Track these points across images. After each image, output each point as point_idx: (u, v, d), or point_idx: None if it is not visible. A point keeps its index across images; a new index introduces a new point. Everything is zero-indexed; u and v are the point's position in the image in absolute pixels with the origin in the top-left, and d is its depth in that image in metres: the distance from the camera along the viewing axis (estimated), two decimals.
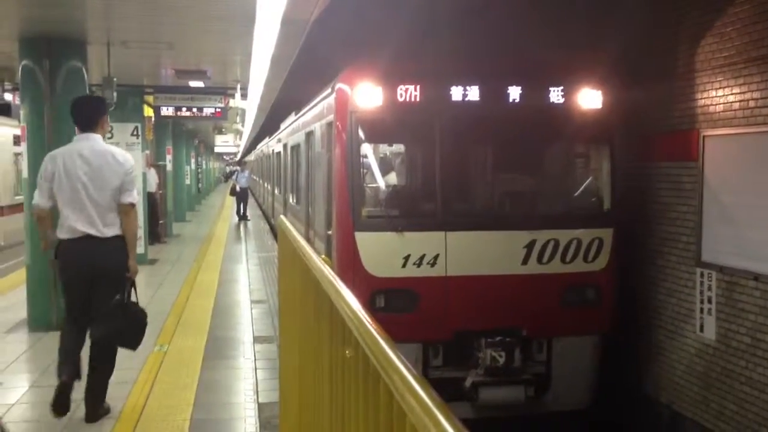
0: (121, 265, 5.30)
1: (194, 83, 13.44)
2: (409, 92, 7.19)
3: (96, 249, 5.19)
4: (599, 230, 7.51)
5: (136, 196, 5.41)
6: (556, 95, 7.46)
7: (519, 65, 7.64)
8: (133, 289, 5.49)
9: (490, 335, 7.06)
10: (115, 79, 10.15)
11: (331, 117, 7.90)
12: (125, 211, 5.31)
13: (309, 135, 10.58)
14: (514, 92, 7.38)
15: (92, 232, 5.18)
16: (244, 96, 15.34)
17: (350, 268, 7.11)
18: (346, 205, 7.27)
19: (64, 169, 5.26)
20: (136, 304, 5.52)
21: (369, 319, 1.87)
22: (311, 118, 10.32)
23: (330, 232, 8.03)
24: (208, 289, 10.83)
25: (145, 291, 10.89)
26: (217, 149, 49.25)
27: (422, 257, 7.09)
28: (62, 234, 5.25)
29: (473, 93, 7.34)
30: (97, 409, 5.35)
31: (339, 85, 7.55)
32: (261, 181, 31.42)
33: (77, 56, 8.61)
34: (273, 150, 21.33)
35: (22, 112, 8.67)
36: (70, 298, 5.37)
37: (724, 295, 7.04)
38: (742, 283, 6.80)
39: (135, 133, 13.56)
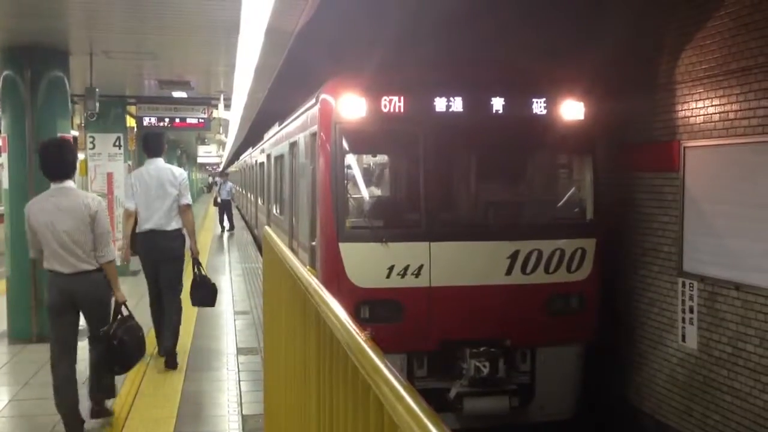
0: (180, 249, 7.37)
1: (177, 93, 13.40)
2: (393, 103, 7.19)
3: (161, 238, 7.24)
4: (582, 240, 7.50)
5: (190, 199, 7.45)
6: (538, 106, 7.49)
7: (502, 76, 7.68)
8: (200, 266, 7.54)
9: (474, 345, 7.05)
10: (97, 90, 10.11)
11: (314, 128, 7.88)
12: (184, 210, 7.37)
13: (293, 145, 10.55)
14: (498, 103, 7.40)
15: (159, 227, 7.21)
16: (227, 106, 15.31)
17: (334, 278, 7.05)
18: (330, 216, 7.23)
19: (139, 183, 7.28)
20: (206, 276, 7.64)
21: (357, 330, 1.87)
22: (295, 128, 10.30)
23: (314, 243, 7.97)
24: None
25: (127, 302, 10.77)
26: (200, 160, 49.05)
27: (406, 268, 7.07)
28: (139, 228, 7.27)
29: (457, 104, 7.36)
30: (174, 348, 7.27)
31: (323, 96, 7.52)
32: (244, 192, 31.25)
33: (59, 66, 8.57)
34: (256, 160, 21.17)
35: (3, 122, 8.61)
36: (146, 274, 7.50)
37: (706, 304, 7.10)
38: (723, 292, 6.86)
39: (117, 143, 13.47)
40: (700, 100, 7.22)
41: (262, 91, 12.45)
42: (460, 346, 7.13)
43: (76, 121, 16.70)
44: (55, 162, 5.28)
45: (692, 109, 7.33)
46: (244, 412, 5.93)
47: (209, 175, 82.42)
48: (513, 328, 7.27)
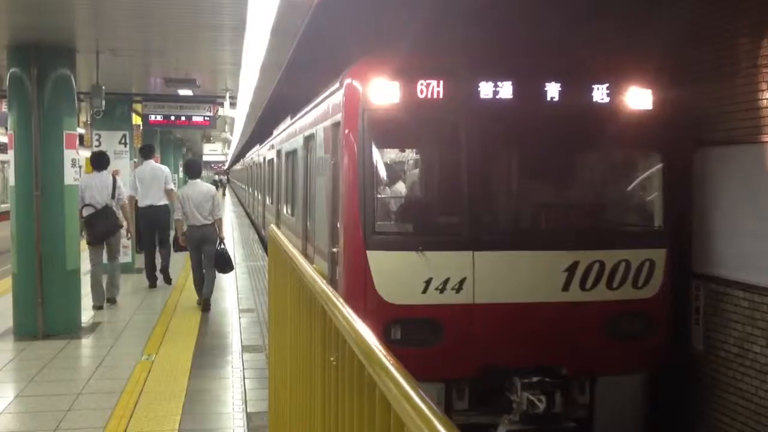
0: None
1: (183, 91, 13.41)
2: (431, 88, 6.25)
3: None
4: (651, 250, 6.52)
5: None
6: (600, 94, 6.51)
7: (558, 58, 6.73)
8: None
9: (525, 374, 6.00)
10: (103, 87, 10.13)
11: (337, 117, 6.89)
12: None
13: (308, 139, 9.61)
14: (552, 89, 6.40)
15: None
16: (233, 105, 15.32)
17: (361, 293, 6.12)
18: (357, 220, 6.22)
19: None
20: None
21: (363, 326, 1.87)
22: (312, 120, 9.31)
23: (335, 250, 7.00)
24: (195, 298, 10.76)
25: (131, 299, 10.84)
26: (205, 158, 49.13)
27: (446, 281, 6.11)
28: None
29: (505, 90, 6.37)
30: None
31: (348, 81, 6.51)
32: (250, 190, 31.08)
33: (66, 64, 8.57)
34: (264, 158, 20.46)
35: (9, 120, 8.62)
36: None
37: (712, 305, 7.05)
38: (729, 293, 6.78)
39: (123, 141, 13.50)
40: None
41: (273, 79, 11.99)
42: (508, 374, 6.08)
43: (82, 118, 16.77)
44: (194, 169, 10.51)
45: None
46: (248, 410, 5.92)
47: (215, 173, 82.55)
48: (570, 354, 6.25)
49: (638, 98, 6.62)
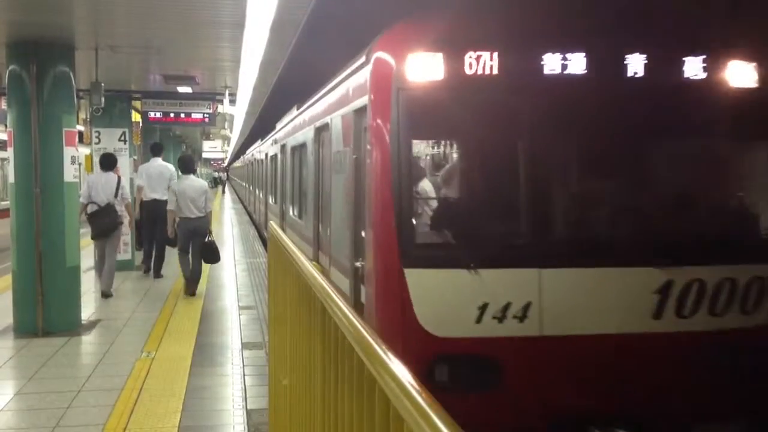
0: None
1: (182, 89, 13.40)
2: (483, 62, 5.04)
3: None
4: (761, 266, 5.28)
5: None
6: (695, 67, 5.26)
7: (641, 23, 5.40)
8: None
9: (608, 426, 4.90)
10: (102, 84, 10.13)
11: (363, 100, 5.65)
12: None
13: (320, 130, 8.36)
14: (636, 62, 5.19)
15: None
16: (232, 102, 15.32)
17: (397, 322, 4.92)
18: (390, 229, 4.99)
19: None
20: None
21: (363, 324, 1.87)
22: (325, 107, 8.00)
23: (359, 265, 5.89)
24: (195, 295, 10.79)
25: (131, 298, 10.85)
26: (205, 155, 49.19)
27: (506, 307, 4.90)
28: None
29: (576, 63, 5.15)
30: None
31: (378, 54, 5.24)
32: (251, 188, 30.80)
33: (65, 61, 8.57)
34: (267, 153, 19.49)
35: (8, 117, 8.62)
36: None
37: None
38: None
39: (122, 138, 13.50)
40: None
41: (276, 67, 11.41)
42: (585, 426, 4.94)
43: (82, 115, 16.77)
44: (189, 165, 11.31)
45: None
46: (249, 407, 5.93)
47: (214, 170, 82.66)
48: (664, 400, 5.05)
49: (744, 73, 5.40)
